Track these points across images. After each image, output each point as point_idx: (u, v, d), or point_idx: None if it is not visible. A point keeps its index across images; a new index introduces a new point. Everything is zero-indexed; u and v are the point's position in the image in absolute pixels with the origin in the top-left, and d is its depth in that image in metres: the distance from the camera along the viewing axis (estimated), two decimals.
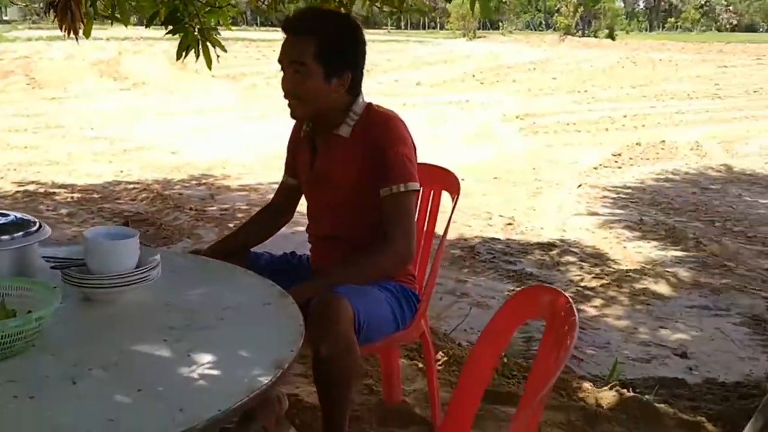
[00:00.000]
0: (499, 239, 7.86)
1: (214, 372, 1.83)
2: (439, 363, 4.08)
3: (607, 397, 3.75)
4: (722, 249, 7.42)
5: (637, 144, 12.61)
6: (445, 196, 3.32)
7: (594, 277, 6.87)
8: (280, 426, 3.16)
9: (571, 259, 7.35)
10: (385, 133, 2.74)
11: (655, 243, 7.72)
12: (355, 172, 2.75)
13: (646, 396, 3.84)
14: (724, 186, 10.04)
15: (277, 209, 3.12)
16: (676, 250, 7.49)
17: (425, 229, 3.27)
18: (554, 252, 7.48)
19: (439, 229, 3.34)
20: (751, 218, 8.48)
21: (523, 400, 2.19)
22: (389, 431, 3.29)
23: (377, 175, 2.70)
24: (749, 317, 6.13)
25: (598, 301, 6.37)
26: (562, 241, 7.81)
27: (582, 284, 6.72)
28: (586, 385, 3.97)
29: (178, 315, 2.12)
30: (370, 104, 2.83)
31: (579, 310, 6.22)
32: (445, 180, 3.24)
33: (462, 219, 8.51)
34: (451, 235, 7.96)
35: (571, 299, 1.81)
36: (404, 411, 3.43)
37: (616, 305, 6.31)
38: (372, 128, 2.75)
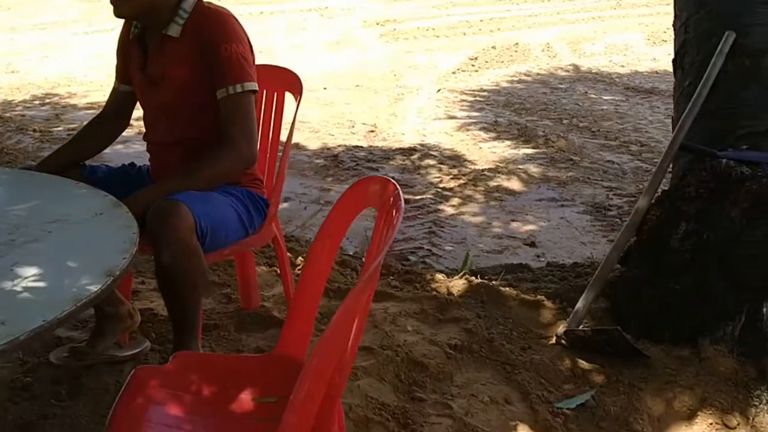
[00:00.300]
0: (362, 147, 7.93)
1: (40, 284, 1.76)
2: (299, 268, 4.14)
3: (458, 285, 3.98)
4: (569, 144, 7.87)
5: (492, 47, 12.89)
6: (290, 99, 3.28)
7: (452, 178, 7.13)
8: (135, 341, 3.14)
9: (431, 162, 7.55)
10: (216, 29, 2.64)
11: (508, 142, 8.06)
12: (188, 73, 2.65)
13: (493, 281, 4.10)
14: (571, 85, 10.54)
15: (111, 118, 2.97)
16: (527, 147, 7.87)
17: (271, 131, 3.23)
18: (415, 156, 7.66)
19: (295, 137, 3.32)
20: (595, 114, 9.01)
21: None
22: (247, 336, 3.34)
23: (212, 75, 2.62)
24: (591, 206, 6.64)
25: (455, 201, 6.64)
26: (422, 145, 7.99)
27: (441, 186, 6.96)
28: (439, 276, 4.18)
29: (1, 231, 2.00)
30: (200, 1, 2.70)
31: (438, 210, 6.48)
32: (287, 81, 3.19)
33: (325, 128, 8.48)
34: (314, 145, 7.96)
35: (397, 185, 1.87)
36: (262, 315, 3.48)
37: (472, 203, 6.62)
38: (203, 26, 2.63)
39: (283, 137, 3.27)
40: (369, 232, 5.77)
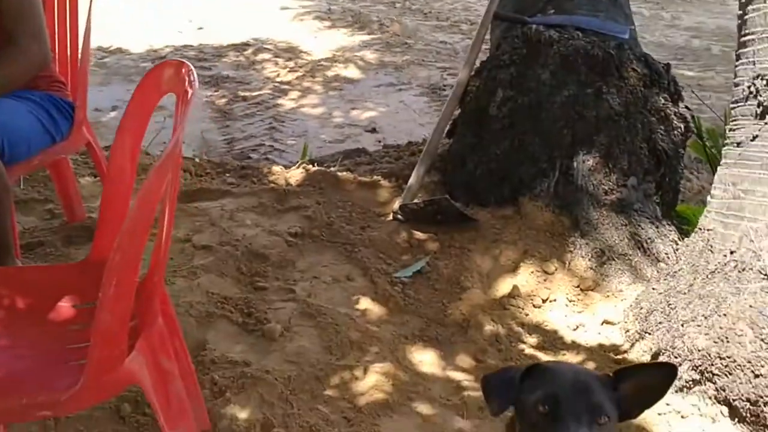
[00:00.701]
0: (191, 45, 7.55)
1: None
2: None
3: (296, 175, 3.97)
4: (402, 28, 7.89)
5: None
6: None
7: (289, 71, 6.99)
8: None
9: (266, 56, 7.34)
10: None
11: (344, 30, 7.97)
12: None
13: (331, 168, 4.13)
14: None
15: None
16: (362, 34, 7.81)
17: (68, 29, 2.97)
18: (249, 51, 7.40)
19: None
20: None
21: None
22: (76, 249, 3.19)
23: None
24: (427, 87, 6.79)
25: (294, 94, 6.54)
26: (255, 39, 7.72)
27: (278, 80, 6.81)
28: (276, 169, 4.15)
29: None
30: None
31: (278, 105, 6.34)
32: None
33: (149, 31, 7.97)
34: (139, 49, 7.46)
35: (190, 65, 1.79)
36: (90, 227, 3.31)
37: (311, 95, 6.55)
38: None
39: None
40: (206, 134, 5.60)
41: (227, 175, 4.09)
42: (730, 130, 2.71)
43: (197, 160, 4.32)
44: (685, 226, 3.44)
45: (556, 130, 3.38)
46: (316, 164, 4.19)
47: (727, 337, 2.35)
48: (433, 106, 6.25)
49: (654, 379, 1.33)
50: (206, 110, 6.13)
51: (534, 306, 3.09)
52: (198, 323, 2.78)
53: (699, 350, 2.41)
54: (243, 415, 2.40)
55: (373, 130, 5.84)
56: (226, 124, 5.88)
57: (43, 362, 1.84)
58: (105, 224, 2.06)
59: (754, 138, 2.54)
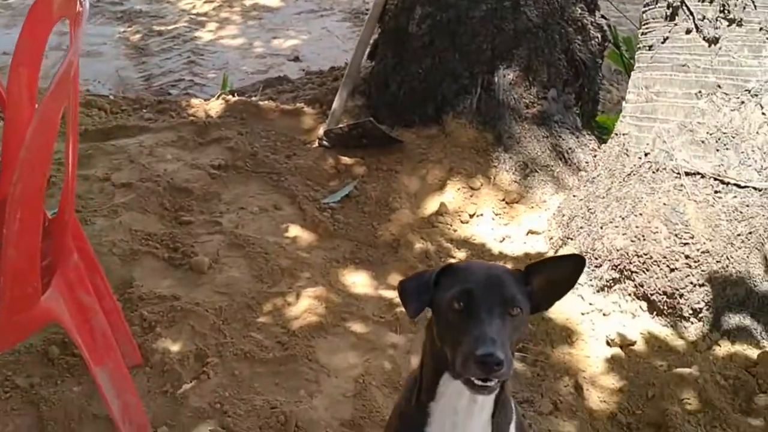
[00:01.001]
0: None
1: None
2: None
3: (216, 107, 3.86)
4: None
5: None
6: None
7: (205, 2, 6.70)
8: None
9: None
10: None
11: None
12: None
13: (252, 98, 4.03)
14: None
15: None
16: None
17: None
18: None
19: None
20: None
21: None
22: None
23: None
24: (349, 13, 6.63)
25: (212, 25, 6.30)
26: None
27: (194, 11, 6.54)
28: (195, 101, 4.02)
29: None
30: None
31: (195, 38, 6.10)
32: None
33: None
34: None
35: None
36: None
37: (230, 25, 6.32)
38: None
39: None
40: (122, 71, 5.36)
41: (144, 111, 3.94)
42: (642, 34, 2.74)
43: (112, 97, 4.14)
44: (605, 136, 3.51)
45: (476, 46, 3.36)
46: (236, 95, 4.07)
47: (643, 236, 2.44)
48: (356, 32, 6.09)
49: (563, 271, 1.34)
50: (120, 47, 5.86)
51: (461, 222, 3.13)
52: (122, 261, 2.72)
53: (618, 250, 2.50)
54: (175, 348, 2.38)
55: (296, 59, 5.70)
56: (143, 60, 5.64)
57: None
58: (8, 162, 1.96)
59: (665, 40, 2.58)
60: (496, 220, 3.15)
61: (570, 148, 3.34)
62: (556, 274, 1.35)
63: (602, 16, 3.75)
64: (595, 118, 3.70)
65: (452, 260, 2.90)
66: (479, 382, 1.22)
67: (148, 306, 2.53)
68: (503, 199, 3.19)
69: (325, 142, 3.51)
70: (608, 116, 3.75)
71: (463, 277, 1.31)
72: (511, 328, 1.26)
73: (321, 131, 3.55)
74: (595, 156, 3.27)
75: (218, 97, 3.99)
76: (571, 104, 3.49)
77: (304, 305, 2.60)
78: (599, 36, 3.58)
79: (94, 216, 2.95)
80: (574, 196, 2.89)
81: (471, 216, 3.13)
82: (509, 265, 2.84)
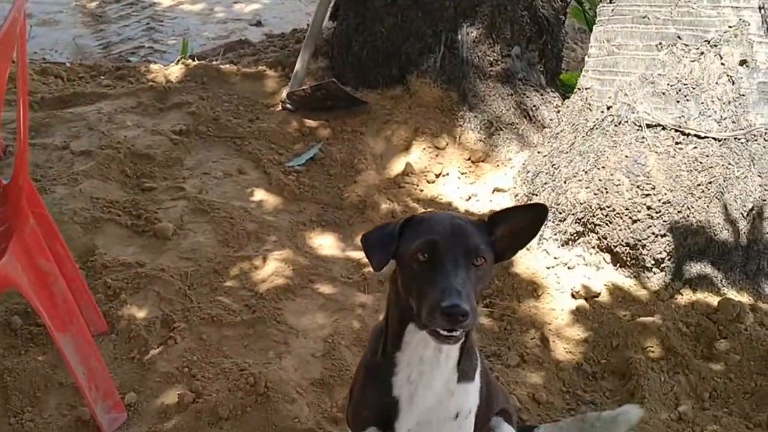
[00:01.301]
0: None
1: None
2: None
3: (175, 72, 3.79)
4: None
5: None
6: None
7: None
8: None
9: None
10: None
11: None
12: None
13: (213, 62, 3.96)
14: None
15: None
16: None
17: None
18: None
19: None
20: None
21: None
22: None
23: None
24: None
25: None
26: None
27: None
28: (155, 67, 3.94)
29: None
30: None
31: (154, 4, 5.94)
32: None
33: None
34: None
35: None
36: None
37: None
38: None
39: None
40: (78, 39, 5.21)
41: (102, 77, 3.85)
42: None
43: (68, 64, 4.04)
44: (569, 94, 3.51)
45: (439, 3, 3.33)
46: (197, 59, 3.99)
47: (606, 188, 2.46)
48: None
49: (525, 220, 1.35)
50: (77, 15, 5.71)
51: (428, 182, 3.13)
52: (84, 229, 2.67)
53: (581, 203, 2.51)
54: (141, 314, 2.36)
55: (258, 23, 5.61)
56: (100, 28, 5.50)
57: None
58: None
59: None
60: (462, 179, 3.15)
61: (534, 106, 3.34)
62: (518, 222, 1.35)
63: None
64: (559, 76, 3.70)
65: None
66: (445, 333, 1.23)
67: (112, 273, 2.50)
68: (469, 158, 3.19)
69: (288, 105, 3.47)
70: (572, 74, 3.75)
71: (427, 228, 1.30)
72: (476, 278, 1.26)
73: (284, 94, 3.51)
74: (558, 113, 3.28)
75: (178, 62, 3.91)
76: (535, 61, 3.49)
77: (272, 268, 2.59)
78: None
79: (54, 185, 2.88)
80: (538, 152, 2.90)
81: (437, 176, 3.13)
82: None
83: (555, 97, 3.45)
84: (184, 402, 2.05)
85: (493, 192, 3.05)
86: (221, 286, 2.52)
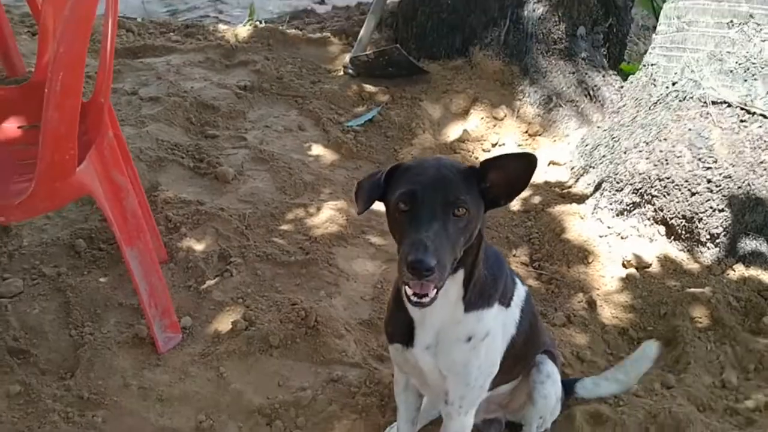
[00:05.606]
0: None
1: None
2: None
3: (243, 32, 3.88)
4: None
5: None
6: None
7: None
8: None
9: None
10: None
11: None
12: None
13: (281, 27, 4.04)
14: None
15: None
16: None
17: None
18: None
19: None
20: None
21: None
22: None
23: None
24: None
25: None
26: None
27: None
28: (222, 27, 4.04)
29: None
30: None
31: None
32: None
33: None
34: None
35: None
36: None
37: None
38: None
39: None
40: (147, 5, 5.36)
41: (171, 33, 3.97)
42: None
43: (139, 20, 4.16)
44: None
45: None
46: (262, 22, 4.08)
47: (666, 160, 2.45)
48: None
49: (517, 167, 1.31)
50: None
51: (483, 150, 3.15)
52: (149, 167, 2.77)
53: (640, 174, 2.51)
54: (199, 247, 2.43)
55: (322, 2, 5.69)
56: None
57: None
58: (44, 45, 1.99)
59: None
60: (517, 150, 3.16)
61: (596, 86, 3.34)
62: (510, 169, 1.32)
63: None
64: (621, 63, 3.68)
65: None
66: (414, 299, 1.24)
67: (174, 209, 2.58)
68: (526, 131, 3.21)
69: (350, 70, 3.53)
70: (633, 65, 3.74)
71: (411, 177, 1.29)
72: (456, 230, 1.25)
73: (347, 59, 3.56)
74: (621, 89, 3.27)
75: (245, 24, 4.01)
76: (599, 44, 3.48)
77: (326, 216, 2.65)
78: None
79: (122, 125, 2.98)
80: (598, 127, 2.90)
81: (493, 145, 3.15)
82: (528, 192, 2.90)
83: (617, 80, 3.44)
84: (237, 329, 2.12)
85: (548, 165, 3.06)
86: (277, 228, 2.58)
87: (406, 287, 1.27)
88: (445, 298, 1.39)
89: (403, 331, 1.48)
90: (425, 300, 1.24)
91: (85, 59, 1.62)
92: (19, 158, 1.90)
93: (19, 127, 2.01)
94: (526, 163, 1.32)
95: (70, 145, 1.67)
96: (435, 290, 1.25)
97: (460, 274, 1.38)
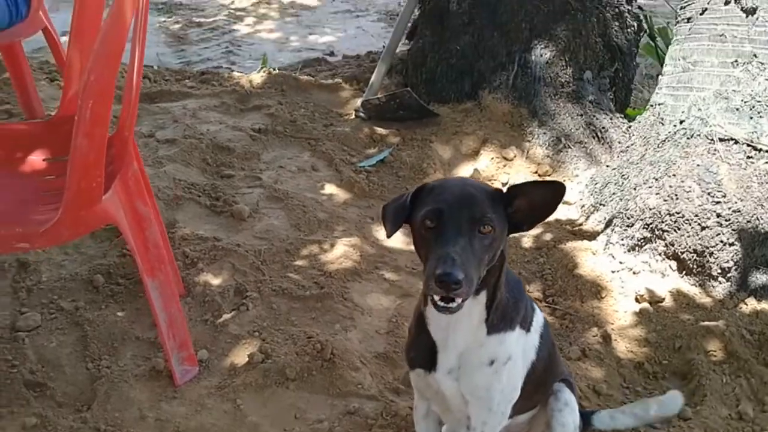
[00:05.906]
0: None
1: None
2: None
3: (257, 78, 3.98)
4: None
5: None
6: None
7: None
8: None
9: None
10: None
11: None
12: None
13: (294, 74, 4.15)
14: None
15: None
16: None
17: None
18: None
19: None
20: None
21: None
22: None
23: None
24: (384, 13, 6.78)
25: (250, 20, 6.47)
26: None
27: (233, 6, 6.73)
28: (236, 74, 4.14)
29: None
30: None
31: (233, 30, 6.23)
32: None
33: None
34: None
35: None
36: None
37: (267, 21, 6.49)
38: None
39: None
40: (162, 57, 5.51)
41: (187, 80, 4.08)
42: (681, 8, 2.82)
43: (156, 67, 4.28)
44: None
45: (515, 24, 3.45)
46: (275, 68, 4.19)
47: (676, 195, 2.49)
48: (390, 32, 6.24)
49: (544, 195, 1.34)
50: (160, 35, 6.03)
51: None
52: (166, 205, 2.81)
53: (650, 209, 2.55)
54: (216, 282, 2.46)
55: (331, 54, 5.82)
56: (182, 48, 5.80)
57: (20, 204, 1.86)
58: (70, 82, 2.06)
59: (704, 12, 2.66)
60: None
61: (603, 127, 3.41)
62: (537, 197, 1.35)
63: (639, 7, 3.83)
64: (627, 107, 3.76)
65: None
66: (441, 303, 1.26)
67: (191, 245, 2.62)
68: (536, 172, 3.26)
69: (361, 113, 3.61)
70: (638, 110, 3.81)
71: (436, 195, 1.32)
72: (481, 247, 1.27)
73: (358, 103, 3.65)
74: (629, 129, 3.33)
75: (259, 71, 4.11)
76: (606, 88, 3.56)
77: (340, 252, 2.68)
78: (635, 24, 3.66)
79: None
80: (607, 166, 2.95)
81: (503, 184, 3.20)
82: (539, 229, 2.94)
83: (623, 122, 3.51)
84: (254, 361, 2.12)
85: None
86: (292, 264, 2.61)
87: (433, 296, 1.28)
88: (468, 319, 1.41)
89: (425, 356, 1.49)
90: (452, 305, 1.26)
91: (113, 90, 1.68)
92: (43, 189, 1.95)
93: (44, 160, 2.06)
94: (553, 191, 1.35)
95: (98, 173, 1.71)
96: (461, 300, 1.26)
97: (483, 296, 1.41)
